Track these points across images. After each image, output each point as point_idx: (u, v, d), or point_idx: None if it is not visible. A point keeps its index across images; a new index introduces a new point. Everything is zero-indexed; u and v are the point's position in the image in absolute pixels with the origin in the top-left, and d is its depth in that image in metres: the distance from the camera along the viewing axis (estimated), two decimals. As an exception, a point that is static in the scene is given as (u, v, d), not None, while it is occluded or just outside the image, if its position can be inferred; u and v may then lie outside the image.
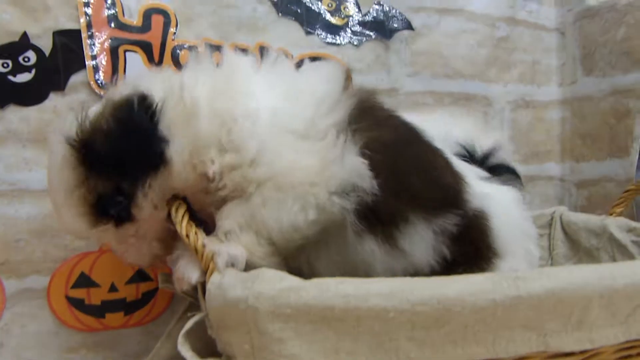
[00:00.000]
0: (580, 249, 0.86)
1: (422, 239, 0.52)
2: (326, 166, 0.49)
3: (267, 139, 0.50)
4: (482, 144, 0.70)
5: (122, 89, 0.52)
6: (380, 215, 0.50)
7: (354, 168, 0.49)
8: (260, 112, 0.51)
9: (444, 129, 0.65)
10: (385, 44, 0.89)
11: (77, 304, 0.74)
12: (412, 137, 0.56)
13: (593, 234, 0.83)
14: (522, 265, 0.60)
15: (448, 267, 0.54)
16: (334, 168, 0.49)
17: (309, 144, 0.50)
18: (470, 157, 0.67)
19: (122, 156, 0.49)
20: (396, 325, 0.43)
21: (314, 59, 0.84)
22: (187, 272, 0.49)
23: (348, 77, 0.86)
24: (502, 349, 0.46)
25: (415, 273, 0.53)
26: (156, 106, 0.49)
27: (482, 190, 0.57)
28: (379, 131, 0.52)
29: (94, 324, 0.75)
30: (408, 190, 0.52)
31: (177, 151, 0.50)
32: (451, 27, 0.94)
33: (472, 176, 0.60)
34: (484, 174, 0.63)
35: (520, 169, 0.99)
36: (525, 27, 1.00)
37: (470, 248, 0.55)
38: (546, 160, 1.02)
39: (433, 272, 0.54)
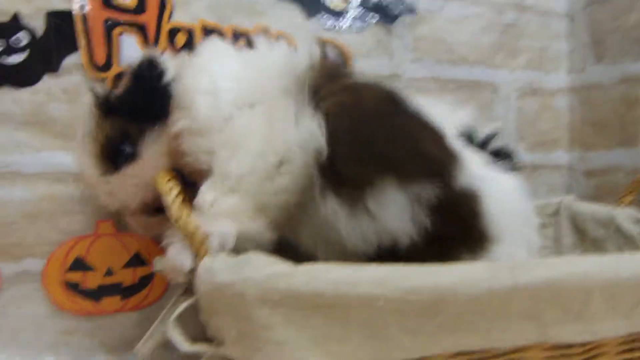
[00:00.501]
0: (587, 240, 0.84)
1: (394, 203, 0.50)
2: (277, 127, 0.52)
3: (221, 112, 0.54)
4: (483, 130, 0.68)
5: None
6: (342, 177, 0.51)
7: (308, 131, 0.51)
8: (221, 87, 0.56)
9: (443, 112, 0.62)
10: (388, 29, 0.87)
11: (73, 287, 0.74)
12: (384, 104, 0.55)
13: (600, 224, 0.82)
14: (521, 253, 0.57)
15: (432, 240, 0.51)
16: (287, 129, 0.52)
17: (259, 108, 0.54)
18: (469, 142, 0.64)
19: (132, 103, 0.58)
20: (387, 313, 0.42)
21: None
22: (180, 260, 0.50)
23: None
24: (497, 338, 0.45)
25: (393, 241, 0.51)
26: (165, 68, 0.59)
27: (478, 173, 0.55)
28: (342, 96, 0.53)
29: (90, 308, 0.74)
30: (374, 155, 0.51)
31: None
32: (455, 12, 0.91)
33: (473, 160, 0.58)
34: (487, 159, 0.61)
35: (527, 157, 0.97)
36: (533, 13, 0.97)
37: (459, 226, 0.53)
38: (553, 148, 1.00)
39: (413, 244, 0.52)
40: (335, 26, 0.84)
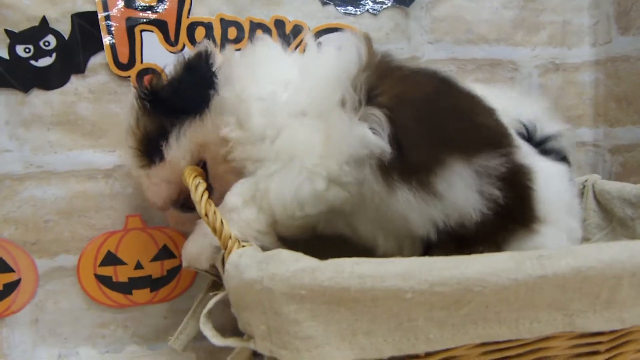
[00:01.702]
0: (614, 219, 0.86)
1: (462, 180, 0.53)
2: (332, 142, 0.54)
3: (276, 120, 0.56)
4: (545, 127, 0.69)
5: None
6: (410, 165, 0.53)
7: (361, 138, 0.53)
8: (275, 94, 0.58)
9: (507, 103, 0.66)
10: (405, 11, 0.91)
11: (106, 281, 0.81)
12: (441, 87, 0.59)
13: (628, 203, 0.83)
14: (563, 239, 0.60)
15: (500, 213, 0.54)
16: (341, 143, 0.53)
17: (315, 121, 0.55)
18: (528, 138, 0.67)
19: (172, 97, 0.62)
20: (414, 305, 0.44)
21: (331, 30, 0.87)
22: (195, 251, 0.57)
23: (369, 44, 0.88)
24: (525, 329, 0.47)
25: (461, 220, 0.54)
26: (214, 63, 0.62)
27: (530, 155, 0.59)
28: (401, 87, 0.55)
29: (122, 300, 0.81)
30: (440, 135, 0.54)
31: (215, 104, 0.61)
32: (474, -10, 0.94)
33: (523, 144, 0.61)
34: (534, 150, 0.65)
35: (550, 135, 1.00)
36: (554, -15, 0.99)
37: (518, 200, 0.56)
38: (578, 125, 1.03)
39: (483, 221, 0.54)
40: (351, 11, 0.88)
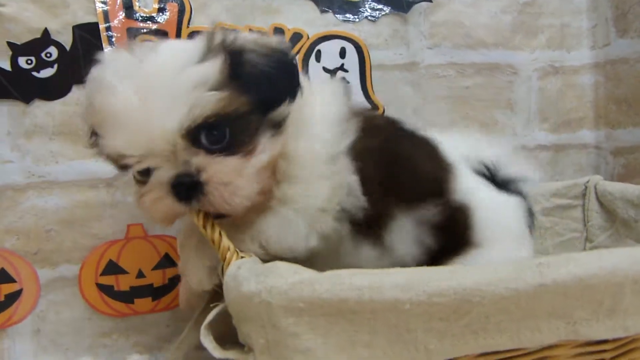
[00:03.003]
0: (616, 220, 0.89)
1: (405, 231, 0.60)
2: (335, 192, 0.58)
3: (297, 163, 0.59)
4: (508, 171, 0.73)
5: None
6: (371, 220, 0.59)
7: (350, 187, 0.58)
8: (331, 137, 0.60)
9: (472, 147, 0.72)
10: (403, 17, 0.96)
11: (107, 290, 0.84)
12: (397, 137, 0.65)
13: (630, 204, 0.86)
14: (521, 253, 0.66)
15: (434, 257, 0.61)
16: (340, 192, 0.58)
17: (326, 168, 0.58)
18: (490, 178, 0.71)
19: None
20: (413, 316, 0.45)
21: (330, 37, 0.91)
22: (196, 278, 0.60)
23: (365, 54, 0.92)
24: (527, 338, 0.48)
25: (402, 266, 0.56)
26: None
27: (470, 186, 0.65)
28: (368, 140, 0.60)
29: (124, 310, 0.85)
30: (392, 186, 0.60)
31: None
32: (472, -5, 0.99)
33: (466, 173, 0.67)
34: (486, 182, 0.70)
35: (551, 138, 1.05)
36: (552, -11, 1.04)
37: (454, 238, 0.62)
38: (578, 128, 1.07)
39: (418, 264, 0.60)
40: (350, 18, 0.92)
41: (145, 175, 0.56)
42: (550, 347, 0.50)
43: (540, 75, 1.04)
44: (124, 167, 0.57)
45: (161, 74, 0.52)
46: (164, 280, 0.86)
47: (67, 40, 0.80)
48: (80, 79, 0.80)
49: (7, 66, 0.78)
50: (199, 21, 0.85)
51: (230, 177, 0.54)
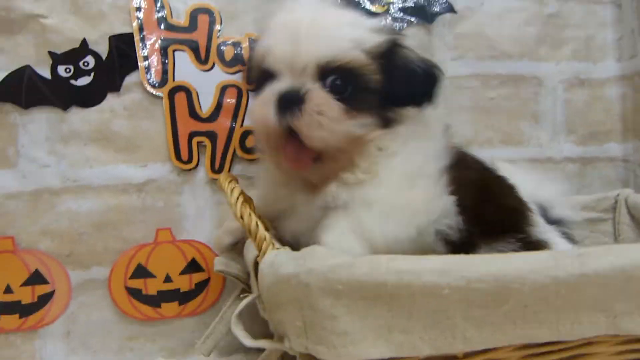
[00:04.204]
0: None
1: None
2: (429, 199, 0.62)
3: (393, 171, 0.64)
4: (558, 211, 0.79)
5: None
6: (459, 243, 0.62)
7: (446, 205, 0.62)
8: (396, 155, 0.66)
9: (530, 187, 0.76)
10: (427, 29, 0.99)
11: (136, 294, 0.88)
12: (486, 171, 0.72)
13: None
14: None
15: None
16: (434, 202, 0.62)
17: (420, 180, 0.64)
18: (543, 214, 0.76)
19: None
20: (452, 302, 0.46)
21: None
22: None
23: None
24: (566, 330, 0.47)
25: None
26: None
27: (548, 232, 0.69)
28: (462, 170, 0.66)
29: (151, 313, 0.88)
30: (481, 215, 0.63)
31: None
32: (496, 7, 1.03)
33: (540, 221, 0.71)
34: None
35: (577, 150, 1.06)
36: (576, 1, 1.07)
37: None
38: (606, 140, 1.08)
39: None
40: (375, 30, 0.96)
41: (262, 83, 0.63)
42: (590, 343, 0.50)
43: (566, 87, 1.06)
44: (255, 76, 0.65)
45: (340, 16, 0.64)
46: (191, 286, 0.90)
47: (103, 50, 0.86)
48: (114, 87, 0.86)
49: (47, 74, 0.84)
50: (228, 32, 0.90)
51: (327, 114, 0.59)
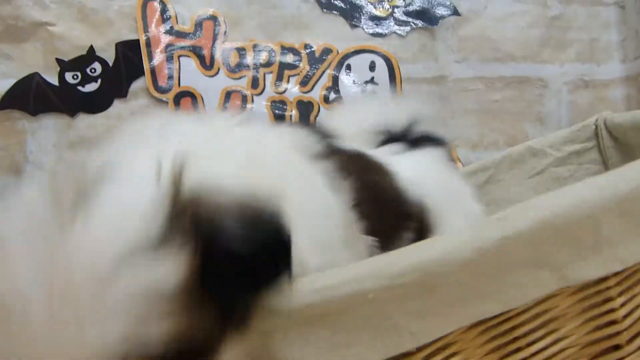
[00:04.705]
0: (635, 152, 0.84)
1: None
2: None
3: None
4: (395, 123, 0.72)
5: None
6: None
7: None
8: None
9: (354, 123, 0.71)
10: (431, 32, 1.00)
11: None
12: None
13: None
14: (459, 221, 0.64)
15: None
16: None
17: None
18: (390, 140, 0.70)
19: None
20: (383, 304, 0.43)
21: (359, 52, 0.95)
22: None
23: (395, 67, 0.96)
24: (513, 297, 0.46)
25: None
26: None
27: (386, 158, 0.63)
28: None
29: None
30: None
31: None
32: (499, 10, 1.03)
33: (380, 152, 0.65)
34: (395, 147, 0.68)
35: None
36: (579, 3, 1.07)
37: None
38: (611, 142, 1.08)
39: None
40: (379, 33, 0.96)
41: None
42: (544, 300, 0.47)
43: (570, 89, 1.07)
44: None
45: (87, 273, 0.31)
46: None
47: (110, 57, 0.87)
48: (121, 93, 0.87)
49: (55, 81, 0.85)
50: (233, 37, 0.91)
51: None
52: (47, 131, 0.85)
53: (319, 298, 0.42)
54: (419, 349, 0.46)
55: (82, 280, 0.30)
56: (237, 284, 0.34)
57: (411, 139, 0.70)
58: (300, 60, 0.93)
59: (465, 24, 1.01)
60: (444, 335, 0.45)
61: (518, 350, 0.48)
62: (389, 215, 0.58)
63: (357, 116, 0.73)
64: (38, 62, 0.85)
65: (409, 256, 0.44)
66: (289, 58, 0.93)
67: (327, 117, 0.83)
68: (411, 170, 0.64)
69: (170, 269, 0.31)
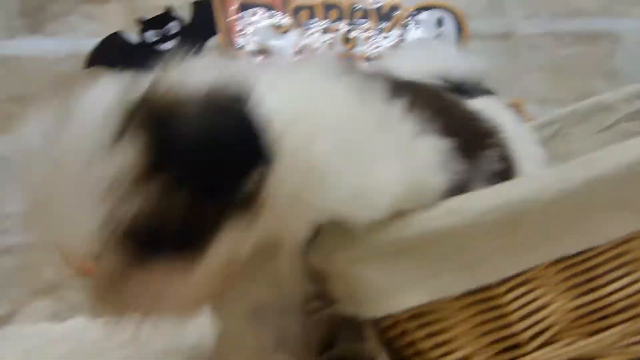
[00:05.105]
0: None
1: None
2: None
3: None
4: (454, 73, 0.71)
5: None
6: None
7: None
8: None
9: (412, 67, 0.69)
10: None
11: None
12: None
13: None
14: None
15: None
16: None
17: None
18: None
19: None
20: (469, 240, 0.46)
21: (427, 8, 0.95)
22: None
23: (462, 23, 0.96)
24: (592, 237, 0.48)
25: None
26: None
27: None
28: None
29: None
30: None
31: None
32: (571, -37, 1.00)
33: None
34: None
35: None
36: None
37: None
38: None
39: None
40: (446, -11, 0.96)
41: None
42: (623, 242, 0.49)
43: (643, 44, 1.03)
44: None
45: (67, 166, 0.38)
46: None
47: (186, 16, 0.91)
48: (197, 51, 0.90)
49: (135, 40, 0.90)
50: (306, -5, 0.93)
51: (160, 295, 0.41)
52: (128, 88, 0.91)
53: (408, 232, 0.46)
54: (501, 283, 0.48)
55: (71, 166, 0.37)
56: (204, 170, 0.37)
57: (464, 89, 0.69)
58: (368, 18, 0.95)
59: (535, -21, 0.99)
60: (525, 270, 0.48)
61: (596, 289, 0.50)
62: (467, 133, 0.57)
63: (416, 61, 0.72)
64: (120, 21, 0.89)
65: (496, 195, 0.47)
66: (358, 15, 0.94)
67: (387, 60, 0.83)
68: (479, 105, 0.64)
69: (127, 157, 0.36)
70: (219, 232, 0.40)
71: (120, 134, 0.37)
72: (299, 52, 0.92)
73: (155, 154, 0.37)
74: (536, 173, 0.52)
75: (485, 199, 0.47)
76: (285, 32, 0.92)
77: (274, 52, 0.92)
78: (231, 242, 0.41)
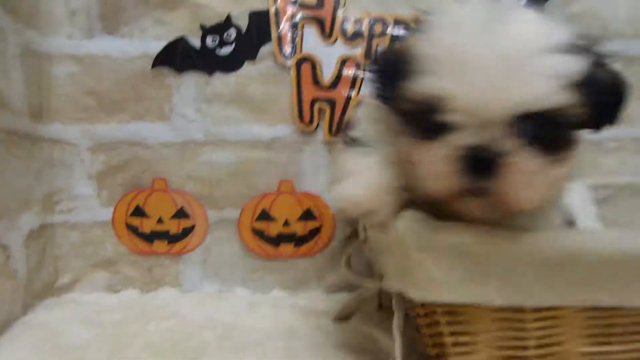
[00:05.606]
0: None
1: None
2: None
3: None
4: None
5: None
6: None
7: None
8: None
9: None
10: (541, 9, 1.02)
11: (259, 234, 1.03)
12: None
13: None
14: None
15: None
16: None
17: None
18: None
19: None
20: (522, 264, 0.53)
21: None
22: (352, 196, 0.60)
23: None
24: (626, 297, 0.54)
25: None
26: None
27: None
28: None
29: (271, 252, 1.03)
30: None
31: None
32: (612, -13, 1.03)
33: None
34: None
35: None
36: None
37: None
38: None
39: None
40: (487, 8, 1.01)
41: (432, 131, 0.53)
42: None
43: (681, 68, 1.05)
44: (417, 114, 0.55)
45: (526, 46, 0.50)
46: (305, 231, 1.03)
47: (244, 24, 0.99)
48: (251, 56, 1.00)
49: (197, 44, 0.99)
50: (351, 10, 1.00)
51: (531, 171, 0.51)
52: (188, 87, 1.00)
53: (472, 241, 0.54)
54: (534, 310, 0.56)
55: (520, 52, 0.50)
56: (602, 99, 0.54)
57: None
58: (410, 33, 1.00)
59: (574, 1, 1.03)
60: (560, 306, 0.55)
61: (611, 344, 0.57)
62: None
63: None
64: (185, 27, 0.98)
65: (561, 240, 0.53)
66: (401, 30, 1.01)
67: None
68: None
69: (574, 67, 0.51)
70: (572, 151, 0.54)
71: (570, 50, 0.51)
72: (343, 62, 1.00)
73: (588, 78, 0.52)
74: (599, 230, 0.59)
75: (547, 242, 0.53)
76: (332, 43, 0.99)
77: (319, 61, 0.99)
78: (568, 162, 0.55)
